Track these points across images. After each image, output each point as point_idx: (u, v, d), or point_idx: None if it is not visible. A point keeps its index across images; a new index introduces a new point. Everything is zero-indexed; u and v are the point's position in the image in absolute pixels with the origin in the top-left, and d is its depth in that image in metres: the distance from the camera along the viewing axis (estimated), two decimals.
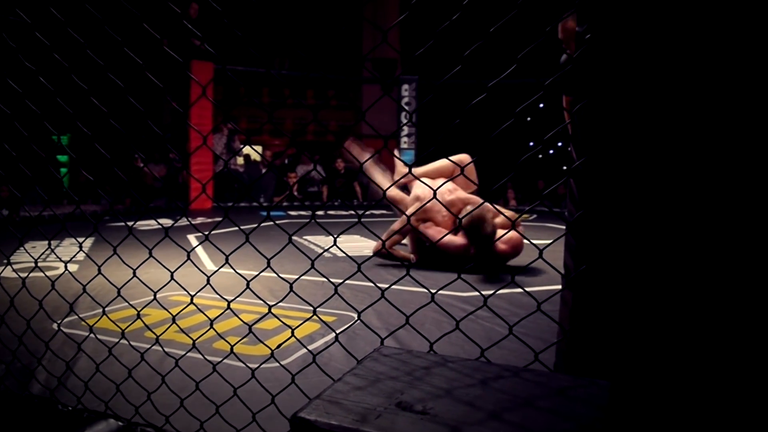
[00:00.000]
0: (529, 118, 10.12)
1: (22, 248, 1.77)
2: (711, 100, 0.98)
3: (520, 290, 3.01)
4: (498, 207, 3.77)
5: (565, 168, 10.69)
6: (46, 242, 4.29)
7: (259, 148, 10.79)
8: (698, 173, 0.99)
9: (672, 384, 0.99)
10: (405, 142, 10.19)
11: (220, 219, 6.62)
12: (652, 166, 1.02)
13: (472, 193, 4.16)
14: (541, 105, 9.56)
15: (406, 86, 10.21)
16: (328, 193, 9.85)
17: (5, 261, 1.98)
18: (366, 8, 10.50)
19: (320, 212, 8.20)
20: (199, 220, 6.78)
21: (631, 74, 1.04)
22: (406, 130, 10.17)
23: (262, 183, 9.17)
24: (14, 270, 1.89)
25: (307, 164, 10.21)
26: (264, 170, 9.64)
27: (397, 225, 4.25)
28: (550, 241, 1.16)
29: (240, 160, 10.30)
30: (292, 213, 7.86)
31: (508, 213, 4.09)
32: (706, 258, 0.98)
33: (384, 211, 8.34)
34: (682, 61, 1.00)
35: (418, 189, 4.12)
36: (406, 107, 10.32)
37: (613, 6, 1.04)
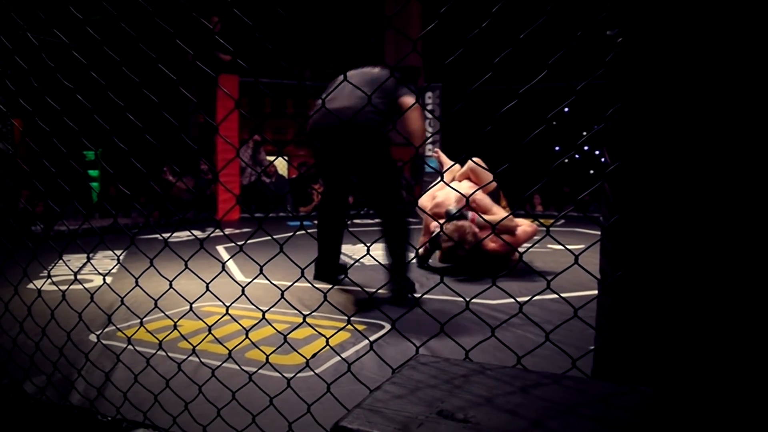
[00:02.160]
0: (554, 123, 10.04)
1: (61, 261, 1.81)
2: (751, 104, 0.97)
3: (549, 297, 3.00)
4: (487, 210, 3.87)
5: (591, 172, 10.58)
6: (79, 255, 4.39)
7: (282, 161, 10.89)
8: (738, 174, 0.98)
9: (718, 391, 0.97)
10: (429, 149, 10.18)
11: (248, 230, 6.69)
12: (690, 169, 1.01)
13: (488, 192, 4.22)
14: (566, 110, 9.48)
15: (429, 94, 10.22)
16: (353, 201, 9.89)
17: (46, 274, 2.03)
18: (387, 15, 10.56)
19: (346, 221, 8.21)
20: (228, 230, 6.86)
21: (665, 77, 1.03)
22: (429, 137, 10.17)
23: (284, 193, 9.24)
24: (54, 282, 1.93)
25: None
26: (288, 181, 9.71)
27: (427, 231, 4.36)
28: (583, 247, 1.15)
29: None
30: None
31: (498, 211, 4.07)
32: (750, 258, 0.96)
33: (412, 219, 8.33)
34: (718, 64, 0.99)
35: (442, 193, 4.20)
36: (430, 115, 10.33)
37: (646, 8, 1.03)
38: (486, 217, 3.86)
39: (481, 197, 4.06)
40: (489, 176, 4.21)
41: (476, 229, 3.80)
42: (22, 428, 1.72)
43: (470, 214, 3.86)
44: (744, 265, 0.97)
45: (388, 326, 2.57)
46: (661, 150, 1.04)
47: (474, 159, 4.31)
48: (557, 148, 10.34)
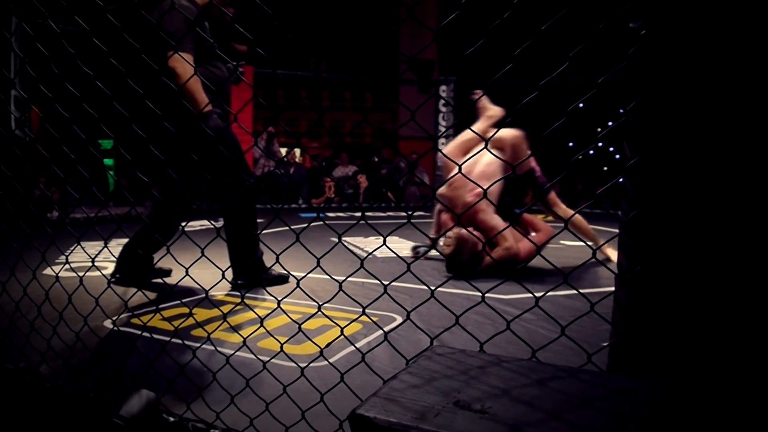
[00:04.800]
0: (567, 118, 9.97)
1: (78, 247, 1.83)
2: None
3: (561, 293, 2.99)
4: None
5: (605, 169, 10.50)
6: (95, 242, 4.42)
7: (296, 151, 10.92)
8: (760, 170, 0.97)
9: (735, 387, 0.96)
10: (443, 143, 10.17)
11: (261, 220, 6.72)
12: (711, 164, 1.00)
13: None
14: (581, 105, 9.43)
15: (443, 87, 10.19)
16: (363, 195, 9.91)
17: (64, 260, 2.05)
18: (403, 8, 10.53)
19: (355, 213, 8.23)
20: None
21: (689, 70, 1.02)
22: (443, 131, 10.15)
23: (298, 184, 9.28)
24: (72, 268, 1.96)
25: (346, 166, 10.28)
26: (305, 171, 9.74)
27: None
28: (602, 242, 1.14)
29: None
30: (330, 214, 7.92)
31: (497, 224, 3.69)
32: None
33: (423, 213, 8.34)
34: (743, 58, 0.97)
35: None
36: (444, 108, 10.30)
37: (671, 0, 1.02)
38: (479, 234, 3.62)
39: (486, 208, 3.65)
40: (525, 155, 3.85)
41: (476, 240, 3.56)
42: (38, 411, 1.75)
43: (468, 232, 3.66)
44: (764, 261, 0.96)
45: (399, 318, 2.58)
46: (683, 145, 1.03)
47: (518, 133, 3.89)
48: (571, 144, 10.28)
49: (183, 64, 2.58)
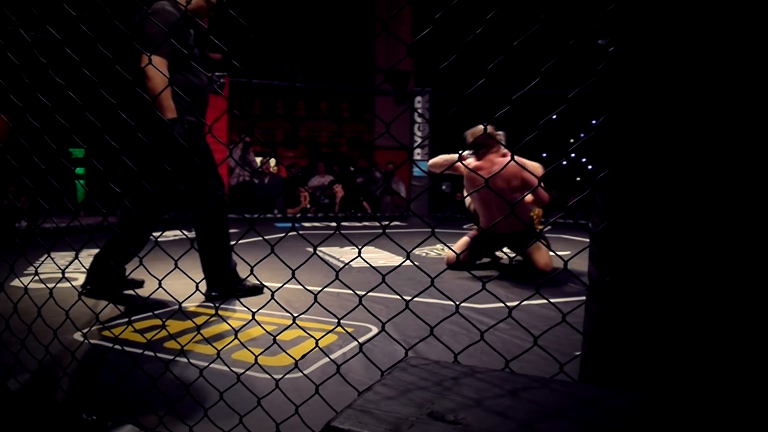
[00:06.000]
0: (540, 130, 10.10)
1: (47, 259, 1.80)
2: (739, 117, 0.99)
3: (535, 302, 3.03)
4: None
5: (578, 179, 10.66)
6: (65, 253, 4.33)
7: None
8: (724, 184, 1.00)
9: (704, 395, 0.98)
10: (418, 154, 10.23)
11: (235, 230, 6.67)
12: (678, 177, 1.03)
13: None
14: (554, 116, 9.57)
15: (419, 98, 10.25)
16: (339, 204, 9.90)
17: (33, 271, 2.01)
18: (380, 17, 10.58)
19: (331, 223, 8.22)
20: None
21: (656, 86, 1.04)
22: (418, 141, 10.21)
23: (273, 195, 9.23)
24: (41, 280, 1.92)
25: (323, 175, 10.27)
26: (280, 181, 9.70)
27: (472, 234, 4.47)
28: (571, 253, 1.16)
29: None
30: (306, 224, 7.90)
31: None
32: (736, 266, 0.98)
33: (398, 223, 8.35)
34: (707, 75, 1.01)
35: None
36: (420, 120, 10.37)
37: (639, 18, 1.05)
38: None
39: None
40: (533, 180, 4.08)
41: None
42: (5, 427, 1.70)
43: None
44: (730, 271, 0.99)
45: (375, 329, 2.58)
46: (651, 158, 1.06)
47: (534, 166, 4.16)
48: (544, 155, 10.41)
49: (154, 68, 2.56)
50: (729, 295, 0.99)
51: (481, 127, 4.20)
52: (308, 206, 9.53)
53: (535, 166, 4.18)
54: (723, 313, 0.99)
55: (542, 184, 1.61)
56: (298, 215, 9.28)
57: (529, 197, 4.16)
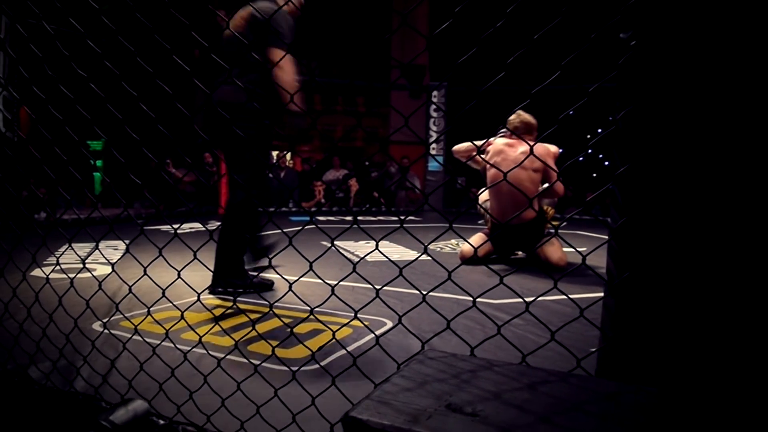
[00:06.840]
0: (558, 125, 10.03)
1: (69, 249, 1.83)
2: (762, 108, 0.98)
3: (551, 298, 3.02)
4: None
5: (594, 175, 10.57)
6: (83, 244, 4.39)
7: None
8: (747, 178, 0.99)
9: (722, 391, 0.98)
10: (433, 149, 10.21)
11: None
12: (699, 172, 1.02)
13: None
14: (571, 112, 9.48)
15: (435, 92, 10.23)
16: (354, 199, 9.92)
17: (54, 261, 2.04)
18: (396, 16, 10.55)
19: (345, 217, 8.24)
20: None
21: (678, 80, 1.04)
22: (434, 136, 10.19)
23: (290, 188, 9.27)
24: (62, 270, 1.95)
25: (337, 169, 10.29)
26: (295, 175, 9.74)
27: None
28: (587, 249, 1.16)
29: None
30: (320, 218, 7.93)
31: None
32: (755, 261, 0.98)
33: (413, 218, 8.35)
34: (729, 68, 0.99)
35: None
36: (435, 114, 10.34)
37: (662, 11, 1.04)
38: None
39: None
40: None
41: None
42: (26, 413, 1.74)
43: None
44: (749, 267, 0.98)
45: (390, 322, 2.59)
46: (671, 153, 1.05)
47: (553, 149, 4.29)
48: (561, 151, 10.34)
49: (289, 62, 2.89)
50: (750, 293, 0.98)
51: (529, 115, 4.35)
52: (323, 200, 9.56)
53: (554, 148, 4.33)
54: (745, 310, 0.98)
55: (561, 178, 1.60)
56: (313, 209, 9.32)
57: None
